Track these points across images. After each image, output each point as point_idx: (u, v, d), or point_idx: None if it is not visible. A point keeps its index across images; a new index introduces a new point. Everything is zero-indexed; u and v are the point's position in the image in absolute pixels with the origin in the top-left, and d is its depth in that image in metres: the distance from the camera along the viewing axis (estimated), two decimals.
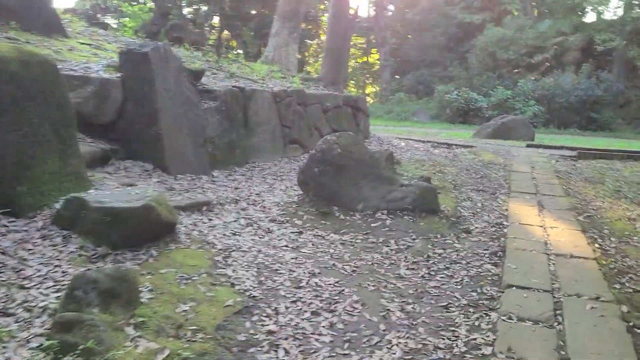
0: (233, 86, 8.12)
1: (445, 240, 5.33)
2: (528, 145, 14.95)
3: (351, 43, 42.37)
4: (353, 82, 43.41)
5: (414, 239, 5.26)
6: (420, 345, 3.23)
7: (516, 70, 28.22)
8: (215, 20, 38.90)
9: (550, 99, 24.89)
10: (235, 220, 5.22)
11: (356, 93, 16.42)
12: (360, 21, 42.90)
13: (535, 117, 24.07)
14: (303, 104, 10.13)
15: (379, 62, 37.90)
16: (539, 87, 25.35)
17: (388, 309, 3.70)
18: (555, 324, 3.57)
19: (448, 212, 6.25)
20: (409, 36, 36.28)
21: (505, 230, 5.79)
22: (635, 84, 27.67)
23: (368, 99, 41.43)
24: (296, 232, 5.20)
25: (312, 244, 4.91)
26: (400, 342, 3.24)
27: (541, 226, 5.90)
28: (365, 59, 44.03)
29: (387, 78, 33.53)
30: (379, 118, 28.23)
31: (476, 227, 5.87)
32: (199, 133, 6.68)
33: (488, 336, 3.37)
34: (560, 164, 11.57)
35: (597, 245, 5.32)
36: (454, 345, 3.27)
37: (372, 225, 5.52)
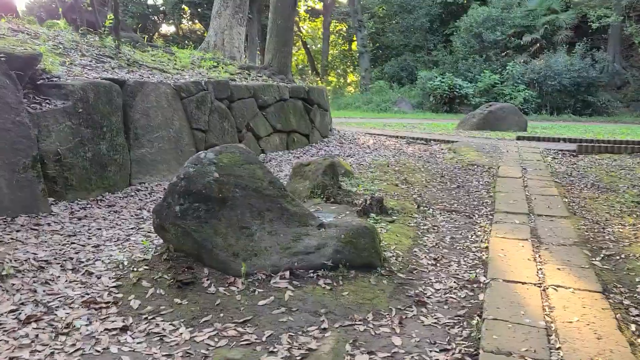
0: (104, 78, 5.82)
1: (379, 328, 3.10)
2: (519, 138, 12.76)
3: (330, 29, 40.09)
4: (333, 71, 41.12)
5: (323, 331, 3.03)
6: None
7: (504, 52, 25.98)
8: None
9: (542, 82, 22.70)
10: (15, 310, 2.99)
11: (319, 83, 14.12)
12: (339, 6, 40.60)
13: (526, 102, 21.90)
14: (228, 99, 7.85)
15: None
16: (529, 70, 23.14)
17: None
18: None
19: (395, 263, 4.03)
20: (391, 21, 33.91)
21: (481, 296, 3.58)
22: (633, 64, 25.52)
23: (349, 88, 39.18)
24: (119, 327, 2.96)
25: (137, 354, 2.68)
26: None
27: (539, 285, 3.68)
28: (346, 46, 41.69)
29: (366, 65, 31.20)
30: (357, 109, 26.00)
31: (436, 292, 3.66)
32: (20, 151, 4.40)
33: None
34: (558, 163, 9.38)
35: (633, 329, 3.12)
36: None
37: (260, 303, 3.28)
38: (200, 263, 3.64)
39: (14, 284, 3.21)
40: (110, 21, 8.09)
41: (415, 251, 4.41)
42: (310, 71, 40.33)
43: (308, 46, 43.11)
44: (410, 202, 6.13)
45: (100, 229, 4.37)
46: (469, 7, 27.89)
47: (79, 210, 4.80)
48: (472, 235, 4.97)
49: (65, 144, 5.03)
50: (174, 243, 3.73)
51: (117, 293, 3.31)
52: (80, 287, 3.33)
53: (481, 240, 4.79)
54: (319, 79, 33.26)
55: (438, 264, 4.17)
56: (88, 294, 3.26)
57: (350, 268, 3.71)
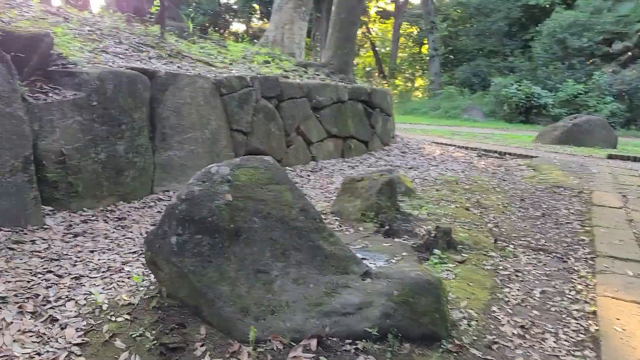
0: (131, 68, 5.01)
1: None
2: (610, 157, 11.12)
3: (400, 32, 38.71)
4: (401, 74, 39.72)
5: None
6: None
7: (590, 60, 23.76)
8: None
9: (633, 94, 20.44)
10: None
11: (385, 86, 12.92)
12: (412, 8, 39.13)
13: (613, 116, 19.76)
14: (277, 98, 6.92)
15: None
16: (618, 81, 20.92)
17: None
18: None
19: (467, 330, 2.92)
20: (465, 25, 32.15)
21: None
22: None
23: (417, 93, 37.65)
24: None
25: None
26: None
27: None
28: (416, 49, 40.17)
29: (436, 69, 29.65)
30: (424, 115, 24.62)
31: None
32: (8, 150, 3.62)
33: None
34: None
35: None
36: None
37: None
38: (197, 318, 2.67)
39: None
40: (157, 7, 7.38)
41: (494, 311, 3.27)
42: (377, 74, 39.14)
43: (376, 48, 41.92)
44: (484, 233, 4.95)
45: (93, 252, 3.51)
46: (553, 10, 25.78)
47: (78, 224, 3.99)
48: (570, 290, 3.75)
49: (72, 142, 4.23)
50: (167, 286, 2.78)
51: (78, 356, 2.39)
52: (33, 343, 2.45)
53: (584, 300, 3.56)
54: (385, 82, 32.05)
55: (527, 336, 3.01)
56: (39, 355, 2.36)
57: (404, 339, 2.64)
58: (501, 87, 22.68)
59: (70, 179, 4.22)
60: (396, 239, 4.27)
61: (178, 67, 6.12)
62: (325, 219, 4.15)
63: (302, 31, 11.72)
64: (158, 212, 4.68)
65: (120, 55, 5.79)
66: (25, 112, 3.80)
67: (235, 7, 38.39)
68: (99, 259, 3.39)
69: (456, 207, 5.84)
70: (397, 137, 11.57)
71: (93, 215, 4.23)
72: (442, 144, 12.19)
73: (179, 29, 8.27)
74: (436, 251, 4.07)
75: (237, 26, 41.41)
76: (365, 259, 3.33)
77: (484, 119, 22.70)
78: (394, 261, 3.50)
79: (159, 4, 7.15)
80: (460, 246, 4.37)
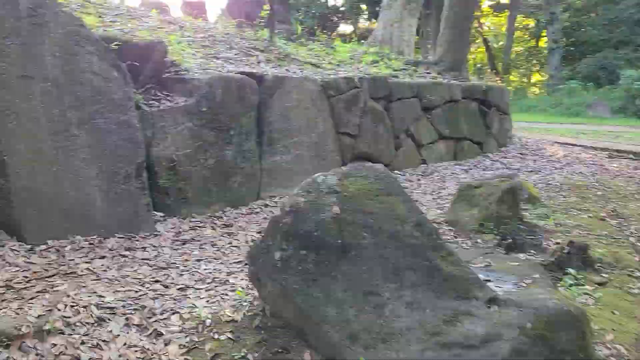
0: (240, 72, 4.99)
1: None
2: None
3: (516, 24, 36.56)
4: (516, 70, 37.52)
5: None
6: None
7: None
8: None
9: None
10: None
11: (498, 82, 11.99)
12: (527, 0, 36.79)
13: None
14: (385, 99, 6.63)
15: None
16: None
17: None
18: None
19: None
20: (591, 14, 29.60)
21: None
22: None
23: (534, 89, 35.36)
24: None
25: None
26: None
27: None
28: (533, 43, 37.73)
29: (556, 63, 27.51)
30: (542, 113, 22.93)
31: None
32: (123, 157, 3.69)
33: None
34: None
35: None
36: None
37: None
38: (301, 341, 2.47)
39: (54, 345, 2.37)
40: (266, 12, 7.40)
41: None
42: (489, 70, 37.29)
43: (489, 44, 39.97)
44: (626, 249, 4.29)
45: (200, 261, 3.46)
46: None
47: (187, 231, 3.98)
48: None
49: (183, 148, 4.26)
50: (271, 304, 2.62)
51: None
52: (137, 359, 2.38)
53: None
54: (498, 78, 30.37)
55: None
56: None
57: None
58: (632, 80, 20.48)
59: (180, 185, 4.24)
60: (521, 255, 3.80)
61: (286, 70, 6.04)
62: (438, 229, 3.81)
63: (411, 28, 11.29)
64: (264, 218, 4.59)
65: (230, 60, 5.82)
66: (138, 120, 3.86)
67: (342, 8, 38.58)
68: (205, 269, 3.32)
69: (589, 217, 5.17)
70: (514, 137, 10.74)
71: (201, 222, 4.22)
72: (565, 144, 11.14)
73: (288, 32, 8.26)
74: (570, 270, 3.55)
75: (345, 28, 41.61)
76: (489, 280, 2.94)
77: (612, 116, 20.64)
78: (524, 285, 3.06)
79: (269, 8, 7.16)
80: (599, 264, 3.80)
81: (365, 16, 38.58)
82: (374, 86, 6.41)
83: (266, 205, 4.88)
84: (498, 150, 9.03)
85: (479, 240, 4.21)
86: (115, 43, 3.94)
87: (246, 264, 3.41)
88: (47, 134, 3.29)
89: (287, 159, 5.26)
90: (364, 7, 36.32)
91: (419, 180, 6.52)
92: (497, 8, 38.49)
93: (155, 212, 4.02)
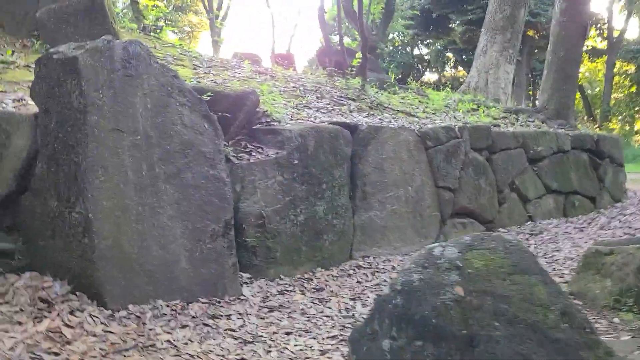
0: (333, 122, 4.70)
1: None
2: None
3: (615, 69, 34.48)
4: (615, 117, 35.17)
5: None
6: None
7: None
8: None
9: None
10: None
11: (598, 130, 10.91)
12: (627, 44, 34.75)
13: None
14: (488, 150, 6.09)
15: None
16: None
17: None
18: None
19: None
20: None
21: None
22: None
23: (637, 137, 32.82)
24: None
25: None
26: None
27: None
28: (634, 88, 35.34)
29: None
30: None
31: None
32: (210, 214, 3.43)
33: None
34: None
35: None
36: None
37: None
38: None
39: None
40: (358, 60, 7.19)
41: None
42: (585, 117, 35.20)
43: (585, 91, 37.95)
44: None
45: (289, 334, 3.06)
46: None
47: (275, 295, 3.62)
48: None
49: (273, 204, 3.97)
50: None
51: None
52: None
53: None
54: (597, 126, 28.46)
55: None
56: None
57: None
58: None
59: (269, 244, 3.92)
60: None
61: (380, 119, 5.71)
62: None
63: (508, 75, 10.69)
64: (357, 282, 4.15)
65: (321, 110, 5.58)
66: (228, 174, 3.62)
67: (427, 57, 38.37)
68: (295, 345, 2.91)
69: None
70: (628, 191, 9.65)
71: (290, 285, 3.85)
72: None
73: (380, 80, 7.99)
74: None
75: (429, 76, 41.24)
76: None
77: None
78: None
79: (360, 57, 6.94)
80: None
81: (451, 64, 38.11)
82: (474, 136, 5.90)
83: (359, 267, 4.45)
84: (613, 206, 8.06)
85: (615, 320, 3.51)
86: (208, 94, 3.77)
87: (341, 341, 2.98)
88: (133, 189, 3.10)
89: (382, 215, 4.83)
90: (450, 55, 35.92)
91: (527, 240, 5.82)
92: (594, 53, 36.67)
93: (241, 273, 3.70)
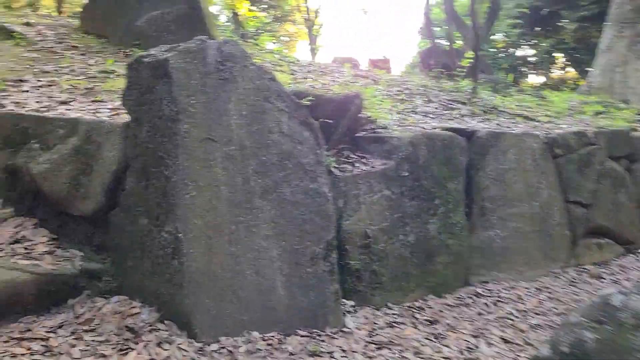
0: (445, 128, 4.15)
1: None
2: None
3: None
4: None
5: None
6: None
7: None
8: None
9: None
10: None
11: None
12: None
13: None
14: (627, 158, 5.22)
15: None
16: None
17: None
18: None
19: None
20: None
21: None
22: None
23: None
24: None
25: None
26: None
27: None
28: None
29: None
30: None
31: None
32: (310, 234, 3.03)
33: None
34: None
35: None
36: None
37: None
38: None
39: None
40: (469, 60, 6.55)
41: None
42: None
43: None
44: None
45: None
46: None
47: (383, 328, 3.14)
48: None
49: (379, 222, 3.50)
50: None
51: None
52: None
53: None
54: None
55: None
56: None
57: None
58: None
59: (375, 267, 3.45)
60: None
61: (497, 124, 5.04)
62: None
63: (638, 73, 9.43)
64: (478, 313, 3.55)
65: (430, 115, 5.03)
66: (330, 188, 3.20)
67: (532, 59, 36.12)
68: None
69: None
70: None
71: (399, 315, 3.35)
72: None
73: (491, 80, 7.26)
74: None
75: (534, 79, 38.74)
76: None
77: None
78: None
79: (472, 57, 6.29)
80: None
81: (559, 65, 35.53)
82: (611, 142, 5.05)
83: (477, 295, 3.84)
84: None
85: None
86: (308, 98, 3.39)
87: None
88: (226, 206, 2.77)
89: (503, 235, 4.19)
90: (558, 55, 33.51)
91: None
92: None
93: (343, 300, 3.27)
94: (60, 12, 11.57)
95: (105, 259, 2.84)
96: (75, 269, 2.72)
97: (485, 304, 3.72)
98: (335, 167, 3.52)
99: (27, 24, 6.03)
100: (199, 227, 2.69)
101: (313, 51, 21.54)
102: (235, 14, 13.10)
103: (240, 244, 2.80)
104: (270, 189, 2.94)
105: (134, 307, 2.67)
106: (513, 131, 4.59)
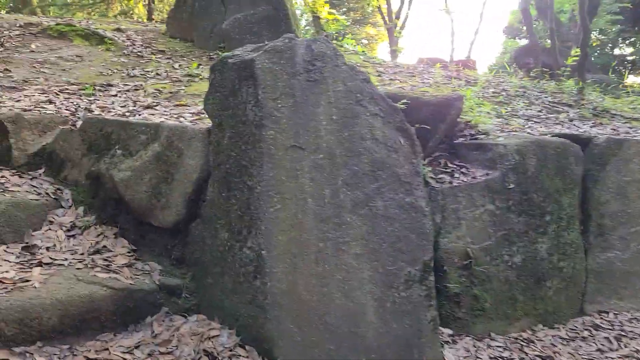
0: (557, 135, 3.67)
1: None
2: None
3: None
4: None
5: None
6: None
7: None
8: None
9: None
10: None
11: None
12: None
13: None
14: None
15: None
16: None
17: None
18: None
19: None
20: None
21: None
22: None
23: None
24: None
25: None
26: None
27: None
28: None
29: None
30: None
31: None
32: (405, 253, 2.70)
33: None
34: None
35: None
36: None
37: None
38: None
39: None
40: (574, 58, 5.93)
41: None
42: None
43: None
44: None
45: None
46: None
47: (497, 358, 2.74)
48: None
49: (481, 240, 3.10)
50: None
51: None
52: None
53: None
54: None
55: None
56: None
57: None
58: None
59: (476, 291, 3.06)
60: None
61: (612, 129, 4.46)
62: None
63: None
64: (598, 350, 3.06)
65: (533, 119, 4.54)
66: (427, 202, 2.85)
67: (630, 57, 33.46)
68: None
69: None
70: None
71: (504, 348, 2.93)
72: None
73: (600, 80, 6.55)
74: None
75: (633, 79, 35.87)
76: None
77: None
78: None
79: (578, 55, 5.67)
80: None
81: None
82: None
83: (596, 327, 3.33)
84: None
85: None
86: (403, 101, 3.05)
87: None
88: (313, 221, 2.50)
89: (625, 257, 3.64)
90: None
91: None
92: None
93: (441, 328, 2.90)
94: (151, 20, 11.97)
95: (185, 274, 2.66)
96: (153, 284, 2.55)
97: (606, 338, 3.20)
98: (431, 178, 3.16)
99: (118, 30, 6.14)
100: (284, 243, 2.43)
101: (394, 53, 21.09)
102: (316, 17, 12.98)
103: (328, 264, 2.51)
104: (361, 203, 2.63)
105: (213, 329, 2.47)
106: (636, 138, 4.00)
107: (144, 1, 14.62)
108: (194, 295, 2.61)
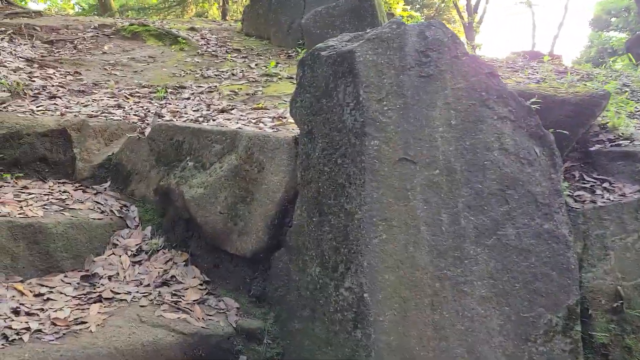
0: None
1: None
2: None
3: None
4: None
5: None
6: None
7: None
8: None
9: None
10: None
11: None
12: None
13: None
14: None
15: None
16: None
17: None
18: None
19: None
20: None
21: None
22: None
23: None
24: None
25: None
26: None
27: None
28: None
29: None
30: None
31: None
32: (542, 295, 2.09)
33: None
34: None
35: None
36: None
37: None
38: None
39: None
40: None
41: None
42: None
43: None
44: None
45: None
46: None
47: None
48: None
49: (634, 275, 2.43)
50: None
51: None
52: None
53: None
54: None
55: None
56: None
57: None
58: None
59: (629, 341, 2.39)
60: None
61: None
62: None
63: None
64: None
65: None
66: (570, 229, 2.22)
67: None
68: None
69: None
70: None
71: None
72: None
73: None
74: None
75: None
76: None
77: None
78: None
79: None
80: None
81: None
82: None
83: None
84: None
85: None
86: (533, 100, 2.44)
87: None
88: (428, 255, 1.95)
89: None
90: None
91: None
92: None
93: None
94: (225, 19, 11.83)
95: (266, 315, 2.19)
96: (230, 327, 2.11)
97: None
98: (568, 195, 2.52)
99: (192, 29, 5.85)
100: (391, 284, 1.91)
101: (473, 49, 20.07)
102: (390, 14, 12.47)
103: (447, 310, 1.96)
104: (487, 231, 2.06)
105: None
106: None
107: (219, 3, 14.60)
108: (277, 342, 2.14)
